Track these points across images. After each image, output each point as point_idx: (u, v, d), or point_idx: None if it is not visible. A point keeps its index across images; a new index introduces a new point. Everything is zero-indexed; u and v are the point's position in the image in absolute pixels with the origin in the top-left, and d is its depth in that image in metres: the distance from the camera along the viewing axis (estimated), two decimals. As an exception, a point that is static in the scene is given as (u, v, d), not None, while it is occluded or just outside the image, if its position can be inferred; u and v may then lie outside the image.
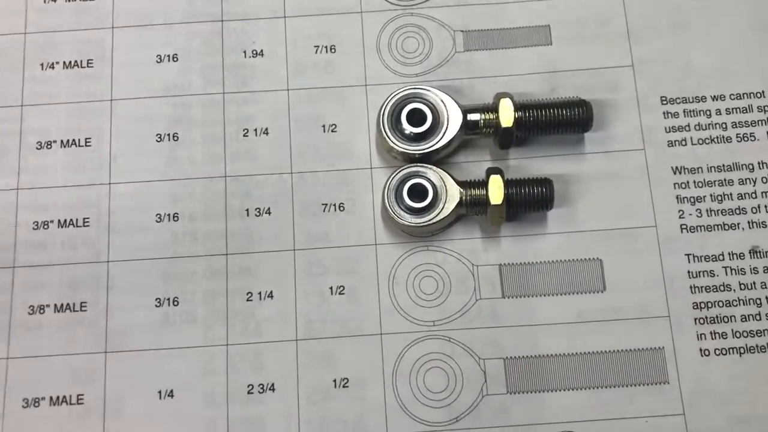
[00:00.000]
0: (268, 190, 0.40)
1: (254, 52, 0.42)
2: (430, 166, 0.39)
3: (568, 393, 0.38)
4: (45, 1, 0.43)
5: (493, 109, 0.39)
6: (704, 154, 0.40)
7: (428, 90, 0.40)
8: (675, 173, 0.40)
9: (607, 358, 0.38)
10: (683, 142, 0.41)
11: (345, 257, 0.40)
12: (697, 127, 0.41)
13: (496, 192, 0.37)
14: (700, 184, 0.40)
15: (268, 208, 0.40)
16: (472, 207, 0.38)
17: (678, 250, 0.39)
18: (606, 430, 0.37)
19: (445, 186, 0.38)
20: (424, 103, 0.39)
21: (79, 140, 0.41)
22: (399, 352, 0.38)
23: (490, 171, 0.38)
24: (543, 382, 0.38)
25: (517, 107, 0.39)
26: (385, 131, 0.39)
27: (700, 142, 0.41)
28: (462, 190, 0.38)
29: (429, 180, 0.39)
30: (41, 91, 0.42)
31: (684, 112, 0.41)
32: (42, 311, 0.39)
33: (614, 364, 0.38)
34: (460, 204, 0.38)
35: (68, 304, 0.39)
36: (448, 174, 0.39)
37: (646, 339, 0.38)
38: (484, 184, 0.38)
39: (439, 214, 0.38)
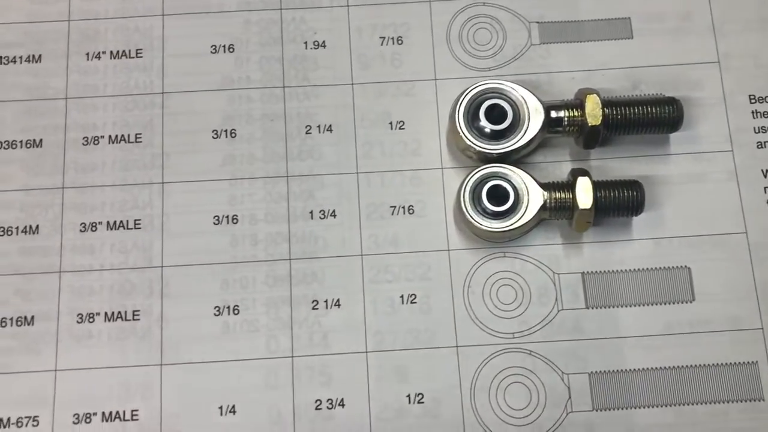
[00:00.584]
0: (333, 191, 0.38)
1: (316, 44, 0.39)
2: (509, 166, 0.36)
3: (656, 410, 0.35)
4: (90, -14, 0.40)
5: (578, 105, 0.36)
6: (796, 156, 0.38)
7: (507, 85, 0.37)
8: (766, 176, 0.38)
9: (697, 372, 0.36)
10: (773, 144, 0.39)
11: (416, 263, 0.37)
12: (789, 128, 0.39)
13: (584, 195, 0.35)
14: (792, 188, 0.38)
15: (333, 211, 0.38)
16: (556, 211, 0.36)
17: (770, 258, 0.37)
18: (698, 450, 0.35)
19: (527, 188, 0.36)
20: (503, 99, 0.37)
21: (128, 136, 0.38)
22: (477, 367, 0.36)
23: (577, 172, 0.36)
24: (630, 398, 0.36)
25: (604, 104, 0.36)
26: (461, 129, 0.37)
27: (792, 143, 0.39)
28: (546, 192, 0.36)
29: (510, 182, 0.36)
30: (87, 82, 0.39)
31: (774, 111, 0.39)
32: (91, 320, 0.36)
33: (705, 379, 0.36)
34: (543, 208, 0.36)
35: (119, 313, 0.36)
36: (530, 175, 0.36)
37: (738, 353, 0.36)
38: (569, 186, 0.36)
39: (520, 219, 0.36)
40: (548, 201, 0.36)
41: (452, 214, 0.38)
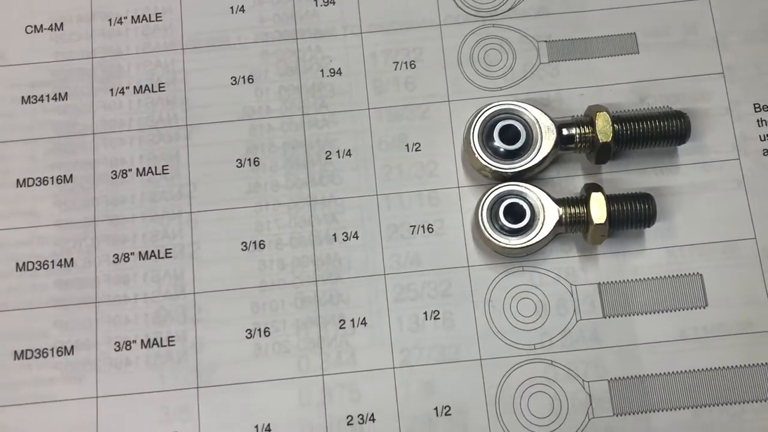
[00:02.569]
0: (354, 213, 0.39)
1: (332, 71, 0.41)
2: (525, 184, 0.38)
3: (674, 413, 0.37)
4: (111, 24, 0.41)
5: (589, 123, 0.38)
6: (801, 162, 0.40)
7: (519, 105, 0.38)
8: (772, 183, 0.40)
9: (713, 375, 0.37)
10: (779, 150, 0.40)
11: (437, 280, 0.38)
12: (793, 134, 0.40)
13: (598, 210, 0.36)
14: (798, 194, 0.39)
15: (356, 232, 0.39)
16: (572, 226, 0.37)
17: (780, 262, 0.39)
18: (717, 451, 0.37)
19: (543, 205, 0.37)
20: (516, 119, 0.38)
21: (155, 168, 0.40)
22: (501, 378, 0.37)
23: (590, 188, 0.37)
24: (648, 402, 0.37)
25: (614, 120, 0.38)
26: (476, 149, 0.38)
27: (796, 149, 0.40)
28: (560, 208, 0.37)
29: (526, 199, 0.37)
30: (113, 117, 0.40)
31: (778, 119, 0.40)
32: (128, 347, 0.38)
33: (720, 381, 0.37)
34: (558, 223, 0.37)
35: (155, 339, 0.38)
36: (545, 192, 0.38)
37: (751, 355, 0.37)
38: (583, 201, 0.37)
39: (537, 234, 0.37)
40: (563, 216, 0.37)
41: (470, 231, 0.39)
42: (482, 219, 0.38)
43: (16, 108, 0.40)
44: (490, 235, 0.37)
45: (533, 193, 0.38)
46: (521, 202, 0.37)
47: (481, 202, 0.38)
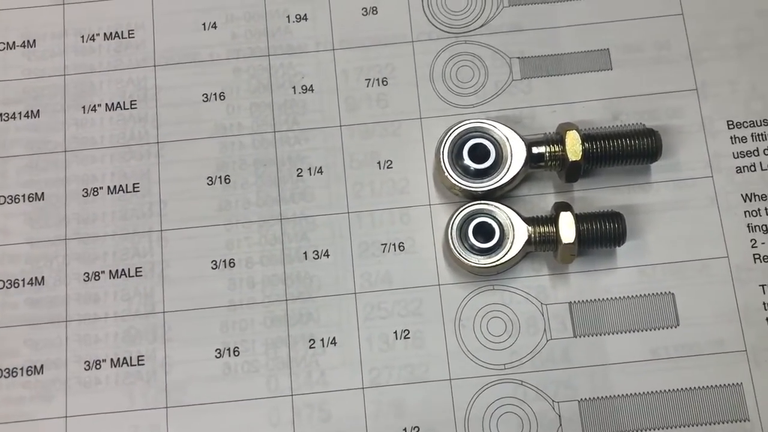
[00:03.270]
0: (325, 231, 0.39)
1: (304, 88, 0.41)
2: (494, 203, 0.38)
3: (645, 433, 0.37)
4: (84, 40, 0.41)
5: (559, 141, 0.38)
6: (775, 179, 0.39)
7: (489, 123, 0.38)
8: (745, 200, 0.39)
9: (684, 396, 0.37)
10: (752, 168, 0.39)
11: (408, 299, 0.38)
12: (767, 152, 0.40)
13: (567, 230, 0.36)
14: (772, 212, 0.39)
15: (326, 251, 0.39)
16: (541, 245, 0.37)
17: (752, 281, 0.38)
18: (687, 472, 0.36)
19: (512, 224, 0.37)
20: (486, 137, 0.38)
21: (126, 186, 0.40)
22: (470, 398, 0.37)
23: (559, 207, 0.37)
24: (619, 423, 0.37)
25: (584, 139, 0.38)
26: (446, 168, 0.38)
27: (770, 166, 0.40)
28: (530, 227, 0.37)
29: (495, 218, 0.37)
30: (84, 135, 0.40)
31: (752, 136, 0.39)
32: (98, 366, 0.38)
33: (691, 402, 0.37)
34: (528, 242, 0.37)
35: (125, 359, 0.38)
36: (515, 211, 0.37)
37: (723, 375, 0.37)
38: (552, 220, 0.37)
39: (506, 254, 0.37)
40: (533, 236, 0.37)
41: (441, 250, 0.39)
42: (452, 238, 0.37)
43: (-12, 126, 0.41)
44: (459, 254, 0.37)
45: (503, 211, 0.37)
46: (490, 221, 0.37)
47: (450, 222, 0.38)
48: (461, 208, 0.38)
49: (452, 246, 0.37)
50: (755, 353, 0.37)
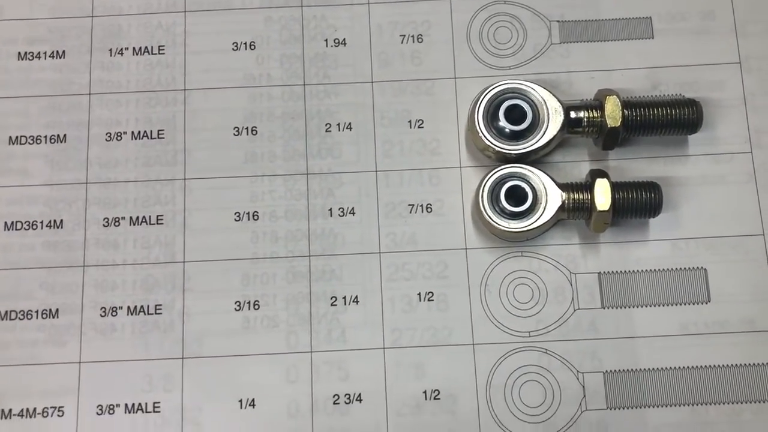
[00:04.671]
0: (352, 189, 0.38)
1: (336, 41, 0.40)
2: (528, 167, 0.37)
3: (670, 409, 0.36)
4: (113, -18, 0.41)
5: (598, 107, 0.37)
6: (816, 158, 0.38)
7: (527, 85, 0.37)
8: (784, 178, 0.38)
9: (712, 373, 0.36)
10: (793, 145, 0.38)
11: (434, 262, 0.37)
12: (809, 130, 0.39)
13: (603, 197, 0.35)
14: (811, 191, 0.38)
15: (352, 208, 0.38)
16: (574, 212, 0.36)
17: (787, 260, 0.37)
18: (711, 450, 0.36)
19: (546, 189, 0.36)
20: (523, 99, 0.37)
21: (151, 132, 0.39)
22: (493, 364, 0.36)
23: (595, 174, 0.36)
24: (644, 397, 0.36)
25: (624, 105, 0.36)
26: (480, 129, 0.37)
27: (811, 145, 0.38)
28: (564, 193, 0.36)
29: (528, 182, 0.36)
30: (110, 78, 0.39)
31: (794, 113, 0.39)
32: (114, 313, 0.37)
33: (719, 380, 0.36)
34: (561, 209, 0.36)
35: (142, 307, 0.37)
36: (549, 176, 0.37)
37: (753, 354, 0.36)
38: (587, 187, 0.36)
39: (538, 219, 0.36)
40: (566, 202, 0.36)
41: (470, 213, 0.38)
42: (483, 201, 0.36)
43: (12, 64, 0.39)
44: (489, 217, 0.36)
45: (536, 176, 0.36)
46: (524, 185, 0.36)
47: (482, 184, 0.37)
48: (494, 170, 0.37)
49: (483, 209, 0.36)
50: (787, 334, 0.37)
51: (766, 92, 0.39)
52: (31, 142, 0.39)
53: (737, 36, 0.39)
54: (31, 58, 0.40)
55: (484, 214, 0.36)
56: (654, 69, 0.39)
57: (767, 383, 0.36)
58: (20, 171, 0.38)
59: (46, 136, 0.39)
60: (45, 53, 0.40)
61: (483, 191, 0.37)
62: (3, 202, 0.38)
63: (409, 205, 0.38)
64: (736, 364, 0.36)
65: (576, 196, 0.36)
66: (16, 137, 0.39)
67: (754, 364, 0.36)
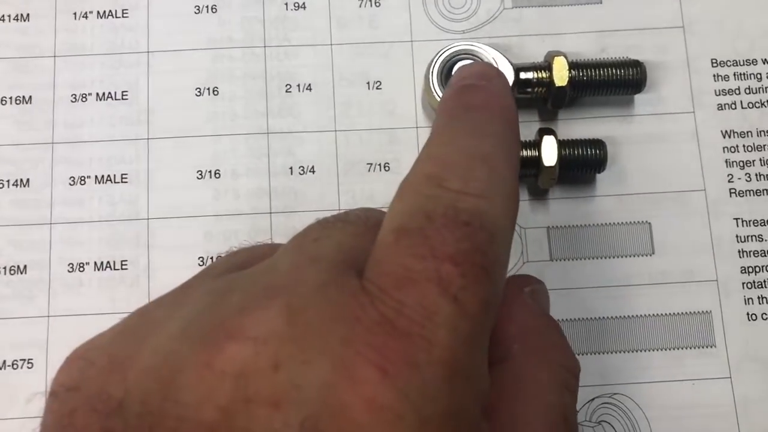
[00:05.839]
0: (312, 148, 0.39)
1: (296, 5, 0.41)
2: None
3: (615, 355, 0.38)
4: (76, -53, 0.41)
5: (546, 67, 0.38)
6: (754, 118, 0.40)
7: (479, 47, 0.39)
8: (724, 137, 0.40)
9: (656, 321, 0.38)
10: (733, 106, 0.40)
11: (391, 217, 0.39)
12: (747, 91, 0.40)
13: (549, 153, 0.37)
14: (749, 149, 0.40)
15: (312, 167, 0.39)
16: (523, 168, 0.38)
17: (727, 214, 0.39)
18: (653, 393, 0.37)
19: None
20: (475, 60, 0.38)
21: (115, 93, 0.40)
22: (447, 314, 0.38)
23: (543, 131, 0.38)
24: (590, 345, 0.38)
25: (571, 66, 0.38)
26: (434, 89, 0.38)
27: (750, 105, 0.40)
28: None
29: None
30: (75, 41, 0.40)
31: (734, 75, 0.40)
32: (81, 269, 0.38)
33: (662, 327, 0.38)
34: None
35: (108, 263, 0.38)
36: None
37: (693, 303, 0.38)
38: (536, 144, 0.38)
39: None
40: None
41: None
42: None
43: (-23, 26, 0.40)
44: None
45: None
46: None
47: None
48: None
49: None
50: (725, 283, 0.38)
51: (708, 55, 0.41)
52: (-3, 103, 0.40)
53: (681, 2, 0.41)
54: (-4, 21, 0.41)
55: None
56: (602, 33, 0.41)
57: (707, 330, 0.38)
58: (-14, 132, 0.40)
59: (11, 97, 0.40)
60: (9, 16, 0.40)
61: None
62: (-30, 163, 0.39)
63: (368, 163, 0.40)
64: (678, 313, 0.38)
65: (525, 153, 0.38)
66: (-18, 99, 0.40)
67: (694, 312, 0.38)
